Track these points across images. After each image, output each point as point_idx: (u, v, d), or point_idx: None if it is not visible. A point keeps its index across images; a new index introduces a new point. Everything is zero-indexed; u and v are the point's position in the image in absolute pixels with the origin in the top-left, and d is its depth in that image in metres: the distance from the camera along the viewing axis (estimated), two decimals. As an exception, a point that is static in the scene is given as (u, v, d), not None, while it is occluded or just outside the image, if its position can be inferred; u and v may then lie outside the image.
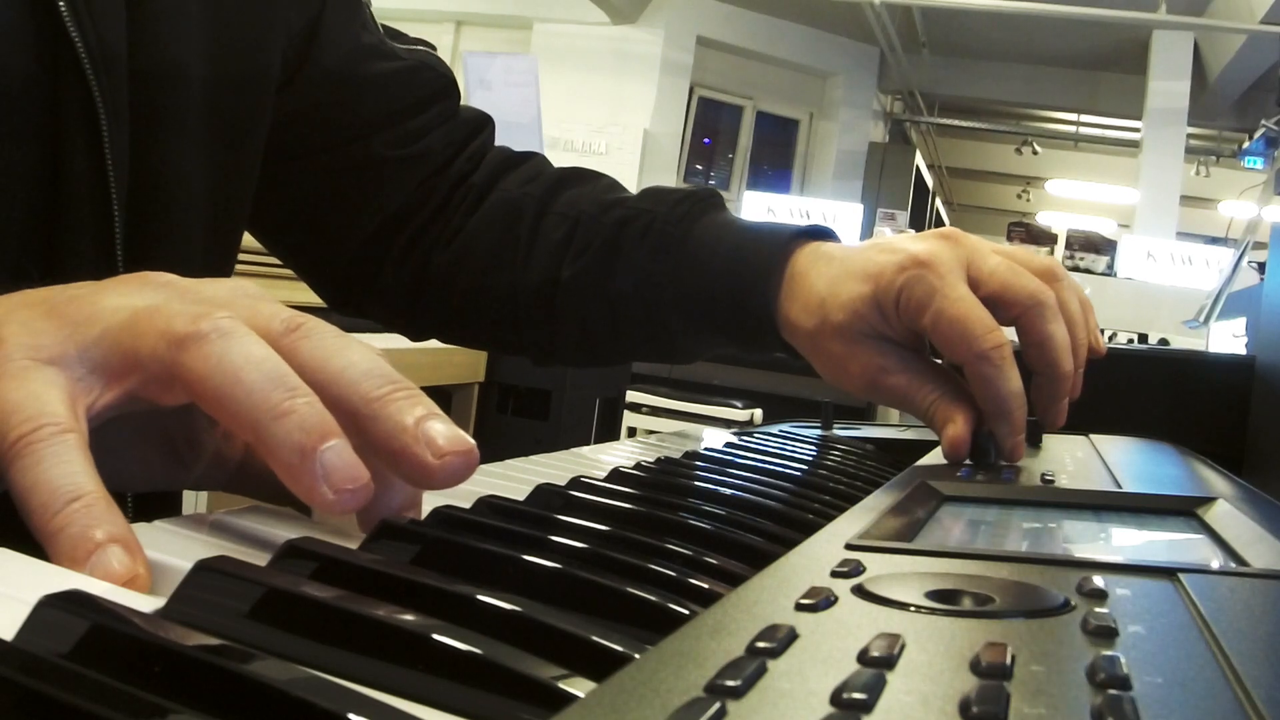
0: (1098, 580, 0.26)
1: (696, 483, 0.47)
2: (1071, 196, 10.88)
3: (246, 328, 0.31)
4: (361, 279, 0.72)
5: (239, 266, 0.65)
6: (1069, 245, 6.19)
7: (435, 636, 0.21)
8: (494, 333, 0.72)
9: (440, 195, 0.71)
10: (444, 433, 0.31)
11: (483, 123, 0.75)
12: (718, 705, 0.17)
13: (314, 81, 0.65)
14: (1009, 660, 0.19)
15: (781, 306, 0.60)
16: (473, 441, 0.31)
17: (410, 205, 0.70)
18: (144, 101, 0.51)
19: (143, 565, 0.27)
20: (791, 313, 0.59)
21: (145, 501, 0.49)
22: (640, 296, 0.65)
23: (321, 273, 0.73)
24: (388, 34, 0.71)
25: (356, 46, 0.67)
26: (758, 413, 3.78)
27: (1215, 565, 0.31)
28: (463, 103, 0.74)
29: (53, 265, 0.48)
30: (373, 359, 0.32)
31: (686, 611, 0.25)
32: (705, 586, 0.28)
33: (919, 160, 8.62)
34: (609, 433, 2.44)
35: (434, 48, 0.75)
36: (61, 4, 0.46)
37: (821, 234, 0.62)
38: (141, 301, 0.32)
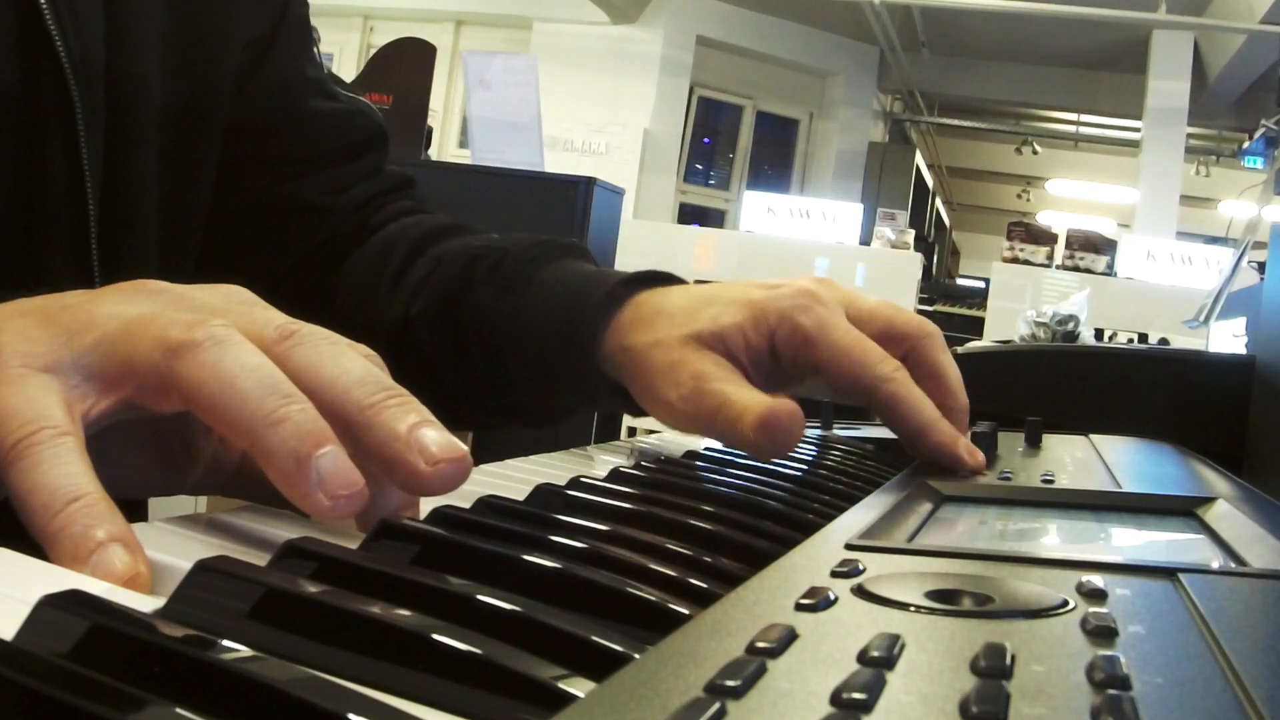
0: (1097, 580, 0.26)
1: (696, 483, 0.47)
2: (1071, 196, 10.88)
3: (241, 335, 0.31)
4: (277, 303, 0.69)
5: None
6: (1069, 245, 6.18)
7: (435, 636, 0.21)
8: None
9: (342, 248, 0.68)
10: (437, 440, 0.31)
11: (406, 183, 0.72)
12: (718, 705, 0.17)
13: (260, 94, 0.63)
14: (1009, 660, 0.19)
15: (611, 333, 0.55)
16: (465, 448, 0.31)
17: (314, 253, 0.67)
18: (113, 107, 0.52)
19: (144, 564, 0.27)
20: (625, 338, 0.54)
21: (128, 508, 0.49)
22: (478, 333, 0.60)
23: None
24: (329, 79, 0.70)
25: (302, 76, 0.66)
26: (758, 413, 3.77)
27: (1215, 565, 0.31)
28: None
29: (30, 261, 0.49)
30: (366, 366, 0.32)
31: (686, 611, 0.25)
32: (705, 586, 0.28)
33: (919, 160, 8.63)
34: (609, 433, 2.44)
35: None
36: (46, 12, 0.47)
37: (676, 282, 0.58)
38: (136, 309, 0.32)
